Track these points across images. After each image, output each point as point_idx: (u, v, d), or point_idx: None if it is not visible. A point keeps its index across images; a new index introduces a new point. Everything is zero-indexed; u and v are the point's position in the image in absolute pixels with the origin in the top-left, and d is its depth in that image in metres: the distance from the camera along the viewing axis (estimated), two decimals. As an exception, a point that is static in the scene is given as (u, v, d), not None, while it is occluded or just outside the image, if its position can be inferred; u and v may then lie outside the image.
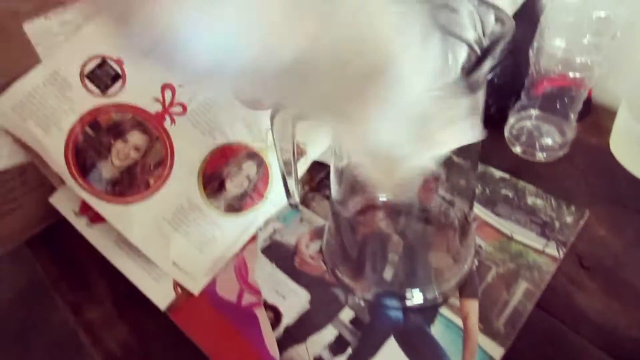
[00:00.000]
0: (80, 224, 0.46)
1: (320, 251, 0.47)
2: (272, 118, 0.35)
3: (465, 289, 0.43)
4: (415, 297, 0.42)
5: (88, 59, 0.42)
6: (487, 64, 0.29)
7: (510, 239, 0.46)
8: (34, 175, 0.46)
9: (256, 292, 0.45)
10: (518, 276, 0.43)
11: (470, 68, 0.28)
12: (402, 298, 0.42)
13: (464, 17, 0.34)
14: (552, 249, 0.45)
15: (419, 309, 0.42)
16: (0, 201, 0.45)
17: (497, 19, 0.31)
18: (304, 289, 0.45)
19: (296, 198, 0.40)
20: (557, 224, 0.47)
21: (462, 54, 0.37)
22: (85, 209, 0.46)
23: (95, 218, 0.45)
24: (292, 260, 0.47)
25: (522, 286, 0.43)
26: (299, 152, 0.51)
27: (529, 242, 0.46)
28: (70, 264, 0.49)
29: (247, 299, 0.44)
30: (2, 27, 0.37)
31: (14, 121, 0.40)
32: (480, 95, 0.33)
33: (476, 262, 0.45)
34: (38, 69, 0.41)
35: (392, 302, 0.43)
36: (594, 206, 0.48)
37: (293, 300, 0.44)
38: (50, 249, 0.50)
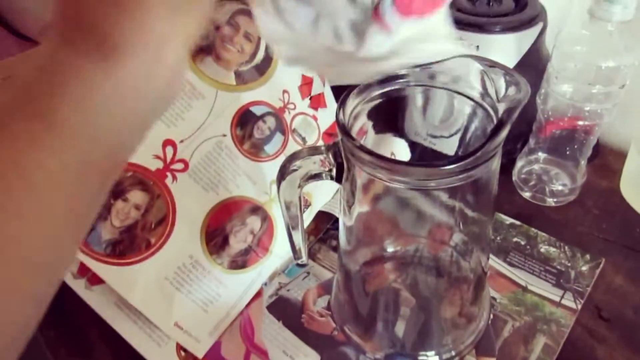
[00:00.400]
0: (79, 287, 0.44)
1: (329, 307, 0.46)
2: (278, 179, 0.34)
3: (481, 346, 0.41)
4: (430, 358, 0.40)
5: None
6: (506, 130, 0.28)
7: (525, 290, 0.45)
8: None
9: (263, 353, 0.43)
10: (535, 330, 0.42)
11: (490, 134, 0.28)
12: (416, 359, 0.40)
13: (472, 75, 0.33)
14: (569, 300, 0.43)
15: (434, 370, 0.40)
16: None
17: (511, 83, 0.31)
18: (312, 349, 0.43)
19: (304, 256, 0.39)
20: (572, 274, 0.45)
21: (467, 108, 0.36)
22: (84, 271, 0.44)
23: (95, 280, 0.44)
24: (300, 318, 0.45)
25: (540, 341, 0.41)
26: (305, 203, 0.50)
27: (544, 293, 0.44)
28: (69, 327, 0.47)
29: (254, 361, 0.42)
30: None
31: None
32: (497, 160, 0.32)
33: (491, 316, 0.43)
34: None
35: (405, 363, 0.41)
36: (609, 253, 0.46)
37: (302, 362, 0.42)
38: (47, 312, 0.48)
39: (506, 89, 0.31)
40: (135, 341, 0.43)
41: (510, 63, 0.49)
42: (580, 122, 0.46)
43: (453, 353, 0.40)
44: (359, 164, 0.31)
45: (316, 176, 0.34)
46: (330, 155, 0.33)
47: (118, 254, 0.43)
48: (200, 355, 0.43)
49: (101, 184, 0.22)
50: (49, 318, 0.47)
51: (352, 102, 0.32)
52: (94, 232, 0.42)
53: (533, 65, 0.50)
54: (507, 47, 0.49)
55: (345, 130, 0.30)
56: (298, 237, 0.38)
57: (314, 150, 0.34)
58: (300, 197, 0.35)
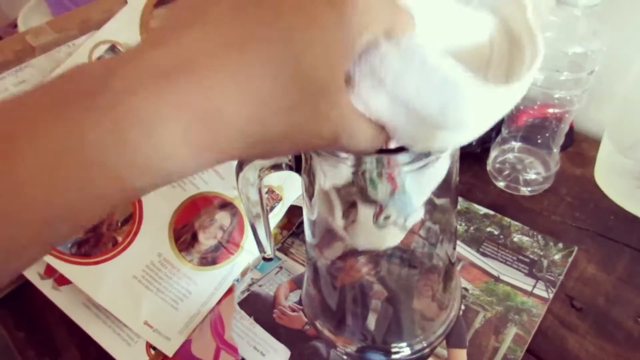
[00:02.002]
0: (46, 287, 0.44)
1: (300, 302, 0.45)
2: (237, 171, 0.33)
3: (452, 337, 0.41)
4: (402, 350, 0.40)
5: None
6: None
7: (497, 280, 0.45)
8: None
9: (233, 349, 0.42)
10: (507, 320, 0.42)
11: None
12: (388, 352, 0.40)
13: None
14: (541, 290, 0.43)
15: (405, 363, 0.40)
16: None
17: None
18: (283, 344, 0.42)
19: (269, 251, 0.38)
20: (545, 263, 0.45)
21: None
22: (51, 271, 0.43)
23: (62, 280, 0.43)
24: (271, 313, 0.45)
25: (511, 331, 0.41)
26: (275, 198, 0.49)
27: (516, 283, 0.44)
28: (38, 328, 0.46)
29: (224, 358, 0.42)
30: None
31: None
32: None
33: (462, 307, 0.43)
34: None
35: (376, 356, 0.40)
36: (582, 241, 0.46)
37: (272, 358, 0.42)
38: (16, 313, 0.47)
39: None
40: (104, 341, 0.43)
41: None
42: (551, 110, 0.46)
43: (424, 344, 0.40)
44: (314, 154, 0.30)
45: (275, 167, 0.33)
46: None
47: (84, 253, 0.42)
48: (170, 353, 0.43)
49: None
50: (18, 319, 0.47)
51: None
52: (57, 232, 0.41)
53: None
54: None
55: None
56: (261, 230, 0.37)
57: None
58: (260, 189, 0.34)
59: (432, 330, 0.41)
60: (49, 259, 0.41)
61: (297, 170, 0.33)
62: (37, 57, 0.38)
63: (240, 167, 0.33)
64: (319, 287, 0.42)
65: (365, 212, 0.31)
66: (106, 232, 0.43)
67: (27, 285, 0.44)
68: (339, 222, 0.33)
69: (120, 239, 0.43)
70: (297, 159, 0.33)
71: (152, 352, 0.43)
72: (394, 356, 0.40)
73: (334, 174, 0.31)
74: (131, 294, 0.43)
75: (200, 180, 0.45)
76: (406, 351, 0.40)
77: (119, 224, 0.43)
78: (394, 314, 0.42)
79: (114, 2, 0.41)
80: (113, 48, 0.42)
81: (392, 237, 0.34)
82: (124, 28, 0.42)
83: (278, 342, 0.43)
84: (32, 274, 0.44)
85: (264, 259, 0.39)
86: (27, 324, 0.47)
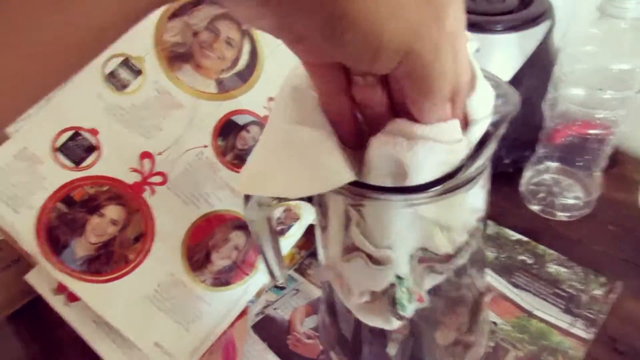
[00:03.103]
0: (58, 303, 0.43)
1: (317, 328, 0.43)
2: (245, 202, 0.31)
3: (478, 377, 0.38)
4: (421, 390, 0.37)
5: (59, 131, 0.40)
6: (488, 152, 0.24)
7: (530, 315, 0.41)
8: (8, 252, 0.44)
9: (244, 378, 0.40)
10: (540, 361, 0.38)
11: (470, 155, 0.24)
12: (406, 390, 0.37)
13: None
14: (579, 329, 0.39)
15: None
16: (-26, 279, 0.43)
17: (499, 94, 0.27)
18: (296, 375, 0.40)
19: (279, 278, 0.36)
20: (584, 298, 0.41)
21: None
22: (63, 288, 0.43)
23: (73, 297, 0.42)
24: (286, 339, 0.43)
25: (545, 373, 0.37)
26: (293, 217, 0.47)
27: (552, 320, 0.40)
28: (50, 342, 0.46)
29: (234, 386, 0.40)
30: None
31: (-18, 201, 0.38)
32: (485, 177, 0.28)
33: (491, 344, 0.40)
34: (6, 145, 0.38)
35: (394, 394, 0.38)
36: (627, 275, 0.42)
37: (284, 388, 0.40)
38: (30, 327, 0.47)
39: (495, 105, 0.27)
40: (113, 361, 0.42)
41: (514, 66, 0.45)
42: (592, 131, 0.42)
43: None
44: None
45: (285, 198, 0.31)
46: None
47: (94, 271, 0.41)
48: (178, 378, 0.41)
49: None
50: (32, 332, 0.47)
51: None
52: (68, 249, 0.40)
53: (540, 68, 0.46)
54: (509, 48, 0.45)
55: None
56: (271, 258, 0.35)
57: None
58: (270, 217, 0.32)
59: None
60: (59, 276, 0.40)
61: (309, 200, 0.31)
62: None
63: (247, 200, 0.31)
64: (335, 314, 0.40)
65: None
66: (117, 249, 0.41)
67: (42, 298, 0.44)
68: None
69: (131, 257, 0.42)
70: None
71: (161, 375, 0.41)
72: (413, 396, 0.37)
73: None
74: (142, 314, 0.42)
75: (215, 198, 0.44)
76: (427, 391, 0.37)
77: (131, 241, 0.42)
78: (415, 348, 0.39)
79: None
80: (126, 62, 0.41)
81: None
82: (137, 41, 0.41)
83: (291, 372, 0.40)
84: (44, 290, 0.43)
85: (276, 286, 0.37)
86: (41, 338, 0.46)
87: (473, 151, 0.24)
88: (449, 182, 0.23)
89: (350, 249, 0.32)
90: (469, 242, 0.32)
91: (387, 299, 0.33)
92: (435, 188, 0.24)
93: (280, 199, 0.31)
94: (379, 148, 0.23)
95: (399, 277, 0.32)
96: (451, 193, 0.25)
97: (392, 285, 0.32)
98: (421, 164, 0.23)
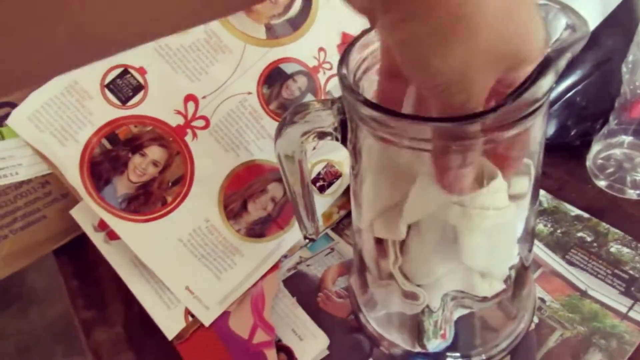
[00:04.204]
0: (98, 240, 0.44)
1: (348, 289, 0.41)
2: (276, 137, 0.30)
3: (519, 354, 0.35)
4: (455, 361, 0.34)
5: (109, 68, 0.40)
6: (546, 82, 0.21)
7: (583, 294, 0.37)
8: (57, 186, 0.45)
9: (270, 329, 0.39)
10: (590, 344, 0.34)
11: (521, 87, 0.21)
12: (439, 360, 0.35)
13: None
14: (638, 313, 0.35)
15: (457, 375, 0.35)
16: (23, 211, 0.45)
17: (568, 25, 0.24)
18: (323, 331, 0.39)
19: (310, 230, 0.35)
20: (647, 281, 0.37)
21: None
22: (104, 225, 0.44)
23: (114, 234, 0.43)
24: (316, 296, 0.41)
25: (594, 357, 0.34)
26: (334, 174, 0.45)
27: (608, 302, 0.36)
28: (91, 279, 0.47)
29: (260, 336, 0.39)
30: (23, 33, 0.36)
31: (31, 131, 0.39)
32: (539, 123, 0.25)
33: (536, 320, 0.36)
34: (57, 78, 0.39)
35: (425, 363, 0.35)
36: (702, 262, 0.37)
37: (310, 343, 0.38)
38: (74, 262, 0.49)
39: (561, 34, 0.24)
40: (146, 300, 0.42)
41: (593, 22, 0.41)
42: (676, 96, 0.37)
43: (483, 357, 0.34)
44: (362, 124, 0.26)
45: (320, 135, 0.30)
46: (335, 110, 0.28)
47: (133, 210, 0.41)
48: (207, 322, 0.41)
49: None
50: (75, 268, 0.48)
51: (356, 55, 0.27)
52: (109, 186, 0.41)
53: (621, 26, 0.41)
54: (589, 3, 0.40)
55: (345, 83, 0.26)
56: (302, 207, 0.33)
57: (322, 105, 0.29)
58: (301, 161, 0.31)
59: (494, 343, 0.35)
60: (99, 211, 0.41)
61: (343, 141, 0.29)
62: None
63: (279, 131, 0.30)
64: (366, 277, 0.38)
65: None
66: (156, 190, 0.42)
67: (85, 236, 0.45)
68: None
69: (169, 199, 0.42)
70: (343, 127, 0.29)
71: (190, 319, 0.41)
72: (446, 367, 0.35)
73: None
74: (175, 257, 0.42)
75: (256, 147, 0.43)
76: (461, 363, 0.34)
77: (170, 184, 0.42)
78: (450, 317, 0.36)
79: None
80: (125, 72, 0.40)
81: None
82: (140, 54, 0.40)
83: (318, 329, 0.39)
84: (87, 225, 0.45)
85: (305, 238, 0.36)
86: (82, 273, 0.48)
87: (532, 78, 0.21)
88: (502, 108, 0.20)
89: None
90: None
91: (414, 323, 0.33)
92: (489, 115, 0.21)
93: (316, 135, 0.29)
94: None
95: (429, 309, 0.30)
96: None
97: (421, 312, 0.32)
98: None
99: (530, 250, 0.34)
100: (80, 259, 0.49)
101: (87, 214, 0.45)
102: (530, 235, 0.33)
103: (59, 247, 0.49)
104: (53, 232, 0.48)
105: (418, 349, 0.34)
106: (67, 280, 0.47)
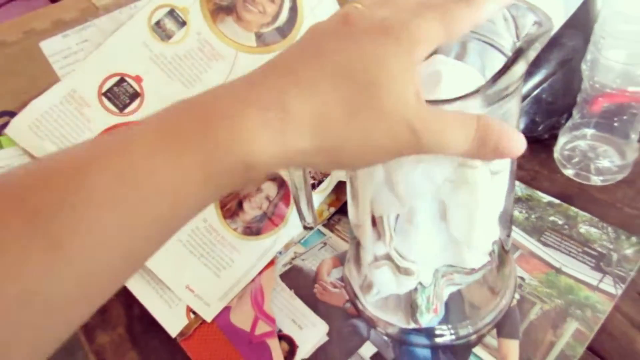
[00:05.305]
0: (98, 244, 0.45)
1: (343, 279, 0.44)
2: None
3: (504, 327, 0.38)
4: (445, 334, 0.37)
5: (106, 76, 0.42)
6: (519, 68, 0.25)
7: (559, 272, 0.41)
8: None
9: (271, 320, 0.41)
10: (567, 315, 0.38)
11: (499, 73, 0.24)
12: (431, 335, 0.38)
13: (499, 22, 0.30)
14: (608, 285, 0.39)
15: (449, 348, 0.37)
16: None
17: (535, 22, 0.27)
18: (322, 319, 0.41)
19: (309, 219, 0.37)
20: (614, 257, 0.41)
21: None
22: (103, 229, 0.45)
23: (112, 238, 0.44)
24: (312, 288, 0.44)
25: (571, 326, 0.37)
26: (324, 173, 0.48)
27: (580, 276, 0.40)
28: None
29: (261, 328, 0.41)
30: (19, 45, 0.38)
31: (31, 140, 0.40)
32: (514, 107, 0.29)
33: (517, 297, 0.40)
34: (56, 87, 0.40)
35: (418, 339, 0.38)
36: (661, 237, 0.41)
37: (310, 331, 0.40)
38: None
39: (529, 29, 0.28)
40: (147, 301, 0.43)
41: (556, 24, 0.45)
42: (632, 88, 0.41)
43: (471, 330, 0.37)
44: None
45: None
46: None
47: (133, 212, 0.43)
48: (208, 319, 0.42)
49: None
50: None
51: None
52: (109, 189, 0.42)
53: (580, 28, 0.45)
54: (552, 8, 0.45)
55: None
56: (303, 199, 0.36)
57: None
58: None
59: (480, 316, 0.38)
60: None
61: None
62: (99, 17, 0.40)
63: None
64: (361, 263, 0.40)
65: None
66: (155, 193, 0.43)
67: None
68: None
69: (168, 201, 0.43)
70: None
71: (192, 316, 0.43)
72: (437, 339, 0.37)
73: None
74: (175, 257, 0.43)
75: (249, 149, 0.45)
76: (450, 336, 0.37)
77: (168, 187, 0.43)
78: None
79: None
80: (172, 12, 0.43)
81: None
82: (136, 62, 0.42)
83: (317, 317, 0.41)
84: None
85: (305, 227, 0.38)
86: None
87: (502, 68, 0.24)
88: (482, 89, 0.24)
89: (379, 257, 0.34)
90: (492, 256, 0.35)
91: (407, 301, 0.36)
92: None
93: None
94: None
95: (422, 285, 0.33)
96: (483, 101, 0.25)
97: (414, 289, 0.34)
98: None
99: (509, 235, 0.38)
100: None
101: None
102: (508, 222, 0.37)
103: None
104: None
105: (413, 325, 0.36)
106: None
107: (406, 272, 0.33)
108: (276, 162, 0.22)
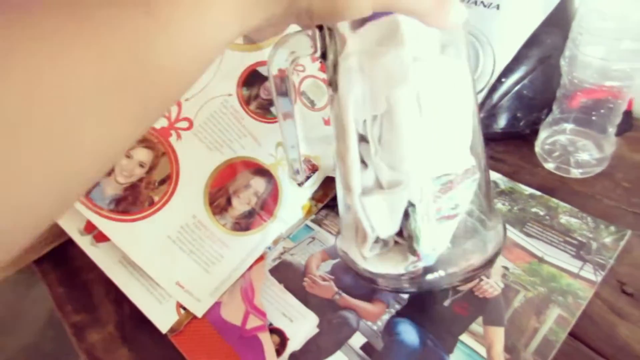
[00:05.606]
0: (85, 243, 0.45)
1: (332, 272, 0.44)
2: (271, 56, 0.32)
3: (489, 315, 0.39)
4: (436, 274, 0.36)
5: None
6: None
7: (541, 261, 0.42)
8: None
9: (262, 314, 0.42)
10: (549, 301, 0.39)
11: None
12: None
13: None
14: (588, 272, 0.40)
15: (438, 336, 0.38)
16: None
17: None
18: (312, 312, 0.42)
19: (295, 166, 0.37)
20: (594, 245, 0.42)
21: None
22: (91, 228, 0.45)
23: (100, 237, 0.44)
24: (302, 281, 0.44)
25: (554, 312, 0.38)
26: (312, 168, 0.49)
27: (562, 265, 0.41)
28: (77, 284, 0.48)
29: (252, 322, 0.42)
30: None
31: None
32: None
33: (502, 285, 0.41)
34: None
35: (406, 327, 0.39)
36: (637, 226, 0.43)
37: (300, 324, 0.41)
38: (58, 269, 0.49)
39: None
40: (137, 298, 0.43)
41: (535, 22, 0.46)
42: (608, 83, 0.43)
43: (456, 269, 0.35)
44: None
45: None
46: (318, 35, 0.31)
47: (121, 210, 0.43)
48: (199, 314, 0.43)
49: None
50: (59, 275, 0.49)
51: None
52: (97, 188, 0.42)
53: (559, 25, 0.47)
54: (531, 5, 0.46)
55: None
56: (287, 129, 0.36)
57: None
58: (291, 78, 0.33)
59: (467, 259, 0.36)
60: (88, 214, 0.42)
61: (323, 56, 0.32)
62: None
63: (274, 50, 0.32)
64: (356, 232, 0.40)
65: None
66: (144, 190, 0.43)
67: (70, 243, 0.46)
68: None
69: (157, 198, 0.43)
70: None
71: (182, 312, 0.43)
72: (427, 277, 0.36)
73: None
74: (165, 254, 0.43)
75: (238, 145, 0.46)
76: (438, 275, 0.36)
77: (157, 184, 0.44)
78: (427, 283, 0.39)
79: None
80: None
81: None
82: None
83: (307, 309, 0.42)
84: (73, 230, 0.45)
85: (299, 185, 0.38)
86: (68, 280, 0.48)
87: None
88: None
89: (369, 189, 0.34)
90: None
91: (404, 234, 0.34)
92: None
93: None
94: None
95: (412, 206, 0.32)
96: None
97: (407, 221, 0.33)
98: None
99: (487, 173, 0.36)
100: (62, 266, 0.49)
101: (72, 218, 0.46)
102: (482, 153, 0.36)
103: (41, 257, 0.50)
104: (36, 241, 0.48)
105: (410, 268, 0.35)
106: (52, 288, 0.48)
107: (395, 184, 0.32)
108: None
